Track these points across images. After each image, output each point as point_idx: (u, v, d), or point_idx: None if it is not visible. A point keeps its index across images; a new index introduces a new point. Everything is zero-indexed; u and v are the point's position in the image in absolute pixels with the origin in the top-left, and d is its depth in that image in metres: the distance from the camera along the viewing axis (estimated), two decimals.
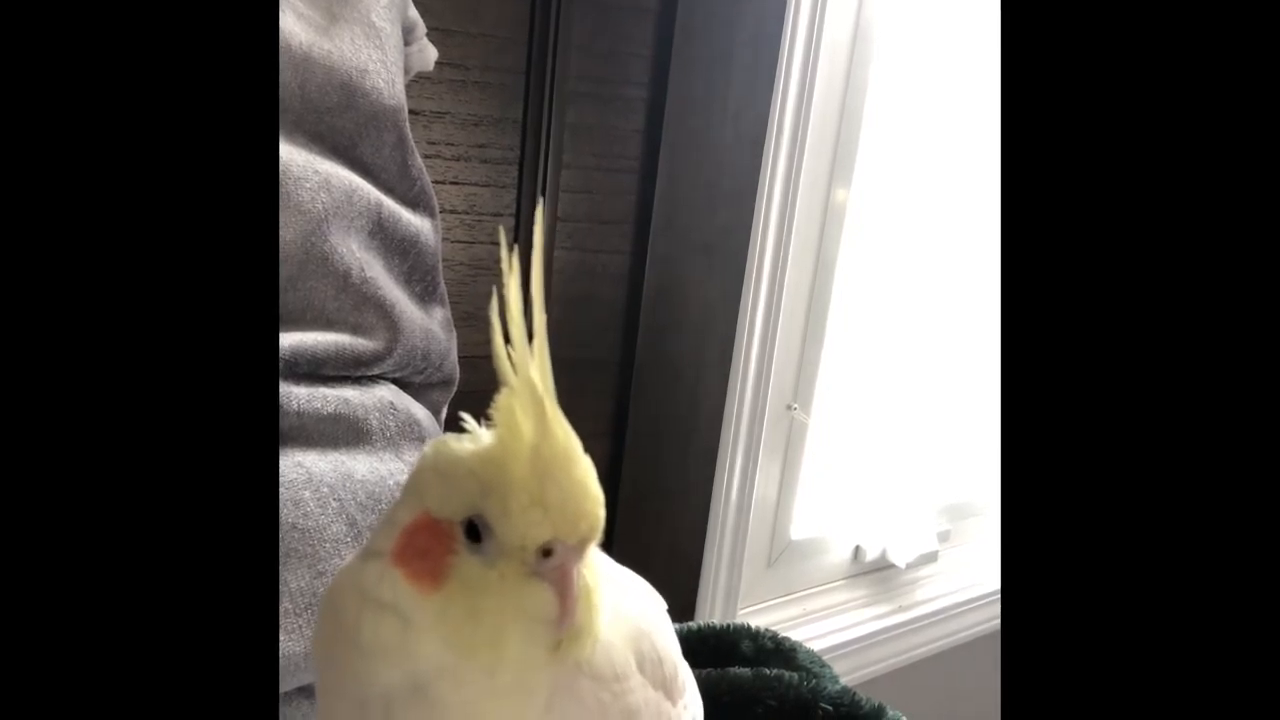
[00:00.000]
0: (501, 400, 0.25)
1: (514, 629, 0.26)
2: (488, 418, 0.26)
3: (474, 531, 0.26)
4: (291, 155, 0.43)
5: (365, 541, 0.30)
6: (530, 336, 0.26)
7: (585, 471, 0.26)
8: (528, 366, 0.25)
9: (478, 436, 0.27)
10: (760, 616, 1.16)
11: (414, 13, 0.55)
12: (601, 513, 0.26)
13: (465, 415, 0.27)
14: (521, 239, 0.80)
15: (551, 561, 0.26)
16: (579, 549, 0.26)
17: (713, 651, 0.55)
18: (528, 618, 0.26)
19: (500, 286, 0.25)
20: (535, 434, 0.25)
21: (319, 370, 0.44)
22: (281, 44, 0.43)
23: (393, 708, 0.26)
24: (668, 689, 0.32)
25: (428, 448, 0.28)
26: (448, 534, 0.26)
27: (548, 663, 0.26)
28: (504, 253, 0.25)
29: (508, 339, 0.25)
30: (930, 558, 1.31)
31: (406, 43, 0.54)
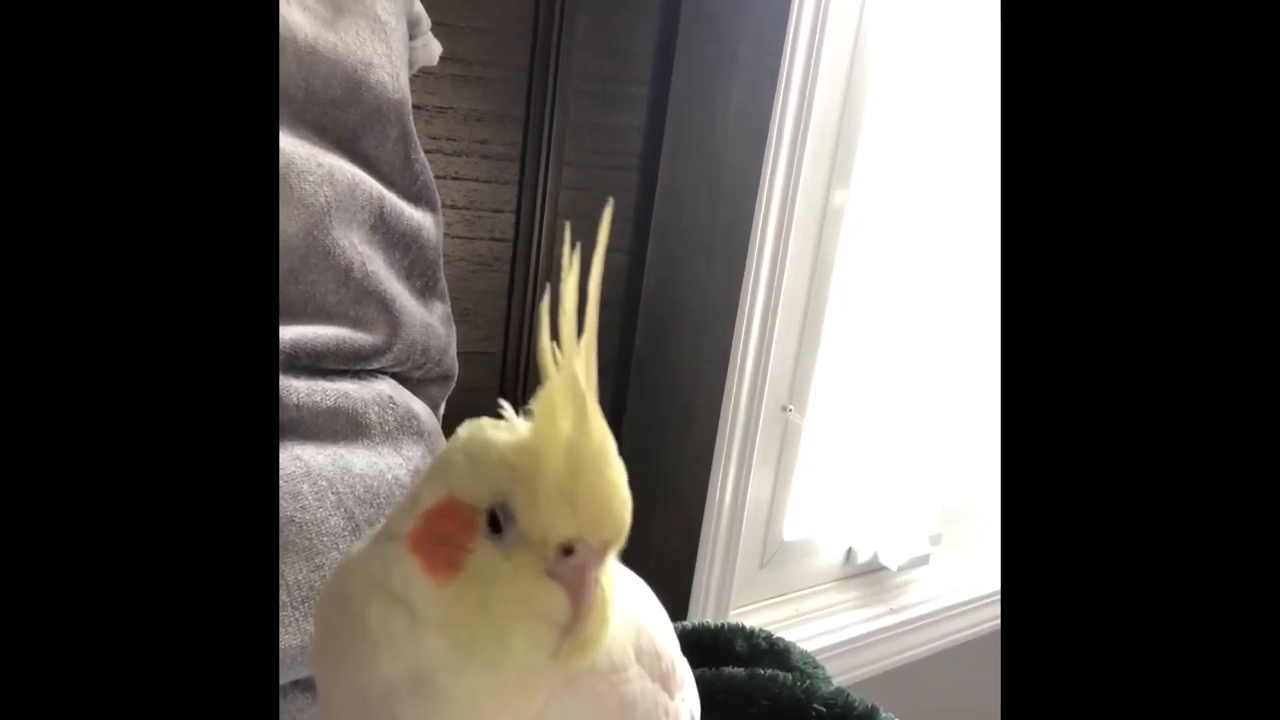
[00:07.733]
0: (542, 392, 0.25)
1: (520, 628, 0.25)
2: (529, 412, 0.26)
3: (496, 520, 0.25)
4: (295, 148, 0.43)
5: (362, 535, 0.29)
6: (580, 334, 0.25)
7: (618, 473, 0.25)
8: (573, 361, 0.25)
9: (514, 426, 0.26)
10: (753, 617, 1.16)
11: (419, 7, 0.55)
12: (628, 518, 0.25)
13: (503, 402, 0.27)
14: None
15: (571, 561, 0.25)
16: (601, 552, 0.25)
17: (707, 651, 0.55)
18: (535, 617, 0.25)
19: (554, 286, 0.25)
20: (573, 428, 0.24)
21: (319, 364, 0.44)
22: (287, 36, 0.43)
23: (394, 701, 0.26)
24: (665, 682, 0.32)
25: (461, 429, 0.27)
26: (470, 521, 0.25)
27: (547, 668, 0.26)
28: (566, 249, 0.25)
29: (554, 335, 0.25)
30: (921, 560, 1.32)
31: (411, 37, 0.54)
